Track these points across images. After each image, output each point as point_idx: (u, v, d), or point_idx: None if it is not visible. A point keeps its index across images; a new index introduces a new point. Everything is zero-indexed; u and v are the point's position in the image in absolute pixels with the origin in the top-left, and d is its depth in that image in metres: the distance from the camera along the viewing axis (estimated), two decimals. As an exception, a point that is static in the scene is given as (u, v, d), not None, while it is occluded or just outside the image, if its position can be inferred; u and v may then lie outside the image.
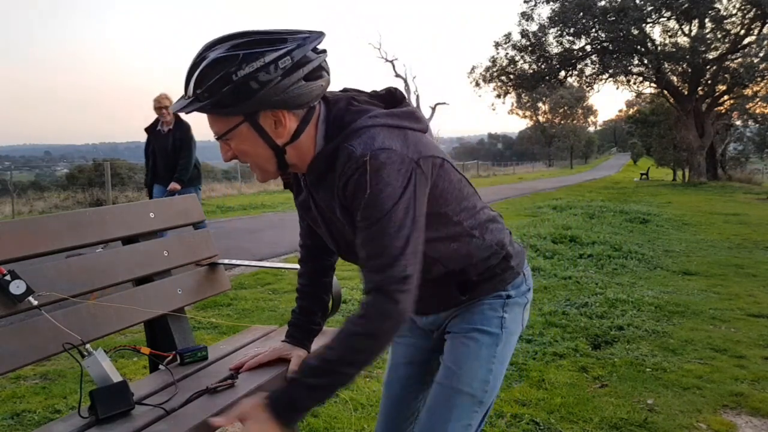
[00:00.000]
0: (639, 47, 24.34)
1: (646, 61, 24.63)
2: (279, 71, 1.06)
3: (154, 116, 5.78)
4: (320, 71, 1.13)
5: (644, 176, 33.39)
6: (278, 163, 1.18)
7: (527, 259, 1.45)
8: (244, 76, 1.05)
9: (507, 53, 27.02)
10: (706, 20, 23.15)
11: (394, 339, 1.31)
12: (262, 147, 1.14)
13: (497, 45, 26.98)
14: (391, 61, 49.87)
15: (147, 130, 5.89)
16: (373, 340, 1.11)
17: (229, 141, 1.15)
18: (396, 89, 1.30)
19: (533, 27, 25.68)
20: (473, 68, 29.22)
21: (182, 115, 5.48)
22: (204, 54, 1.09)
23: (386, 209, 1.10)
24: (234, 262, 2.50)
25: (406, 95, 1.31)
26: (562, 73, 26.76)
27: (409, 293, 1.12)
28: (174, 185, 5.62)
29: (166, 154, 5.73)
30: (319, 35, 1.13)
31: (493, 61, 27.67)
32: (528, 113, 67.66)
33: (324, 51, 1.15)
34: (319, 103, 1.19)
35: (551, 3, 24.58)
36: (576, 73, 26.82)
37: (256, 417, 1.08)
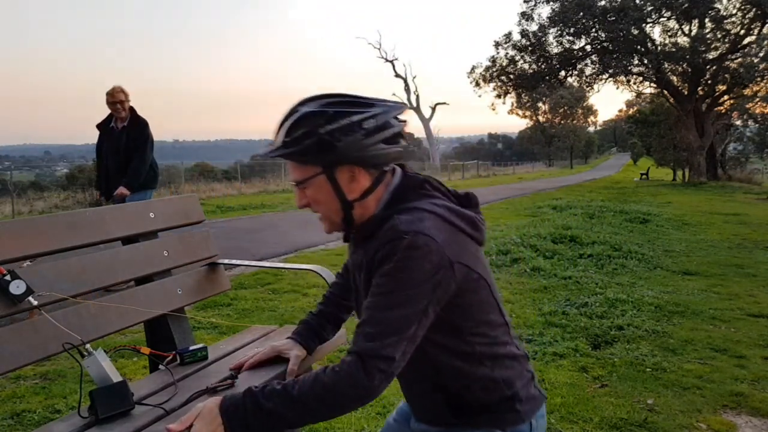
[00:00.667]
0: (639, 47, 24.33)
1: (646, 61, 24.62)
2: (362, 131, 1.15)
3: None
4: (398, 138, 1.19)
5: (644, 176, 33.39)
6: (345, 217, 1.23)
7: (545, 406, 1.34)
8: (329, 131, 1.14)
9: (507, 53, 27.02)
10: (706, 20, 23.14)
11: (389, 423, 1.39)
12: (333, 199, 1.21)
13: (497, 45, 26.98)
14: (391, 61, 49.95)
15: (99, 126, 5.26)
16: (333, 396, 1.10)
17: (305, 189, 1.22)
18: (475, 195, 1.33)
19: (533, 27, 25.69)
20: (473, 68, 29.19)
21: (139, 111, 5.09)
22: (297, 108, 1.18)
23: (401, 287, 1.11)
24: (234, 262, 2.50)
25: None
26: (562, 73, 26.76)
27: (384, 375, 1.09)
28: (121, 190, 4.96)
29: (119, 154, 5.07)
30: (402, 106, 1.21)
31: (493, 61, 27.67)
32: (528, 113, 67.62)
33: (404, 121, 1.22)
34: (393, 171, 1.25)
35: (551, 3, 24.57)
36: (576, 73, 26.81)
37: (207, 418, 1.10)
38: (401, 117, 1.21)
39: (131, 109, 5.13)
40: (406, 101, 49.61)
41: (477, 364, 1.22)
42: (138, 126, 5.10)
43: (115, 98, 5.03)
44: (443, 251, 1.13)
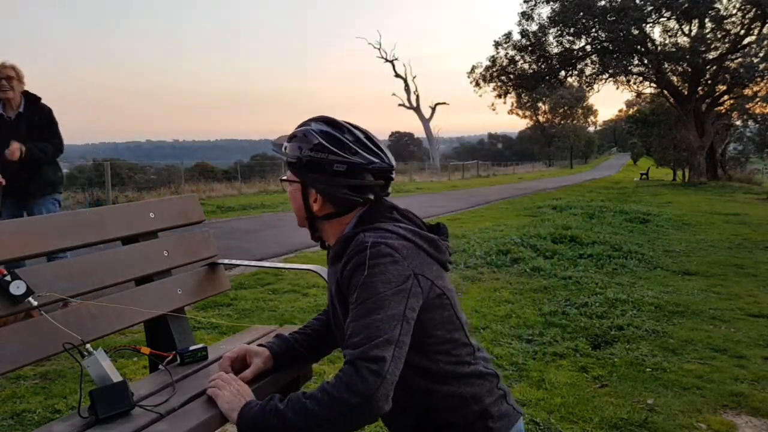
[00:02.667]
0: (639, 47, 24.33)
1: (646, 61, 24.62)
2: (331, 171, 1.28)
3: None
4: (368, 193, 1.31)
5: (644, 176, 33.41)
6: (309, 225, 1.40)
7: (523, 423, 1.35)
8: (308, 157, 1.30)
9: (507, 53, 27.03)
10: (706, 20, 23.14)
11: None
12: (301, 207, 1.38)
13: (497, 45, 26.99)
14: (391, 61, 49.92)
15: None
16: (336, 403, 1.09)
17: (288, 186, 1.40)
18: (445, 226, 1.41)
19: (533, 27, 25.69)
20: (473, 68, 29.21)
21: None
22: (309, 122, 1.35)
23: (377, 293, 1.16)
24: (234, 262, 2.50)
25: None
26: (562, 73, 26.76)
27: (378, 376, 1.09)
28: (14, 146, 3.87)
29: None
30: (385, 168, 1.32)
31: (493, 60, 27.67)
32: (528, 113, 67.62)
33: (386, 183, 1.33)
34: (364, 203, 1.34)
35: (551, 3, 24.57)
36: (576, 73, 26.81)
37: (231, 402, 1.25)
38: (381, 177, 1.31)
39: (26, 94, 4.14)
40: (406, 101, 49.61)
41: (442, 382, 1.26)
42: (43, 112, 4.16)
43: (1, 74, 3.99)
44: (406, 263, 1.21)
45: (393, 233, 1.25)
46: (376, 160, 1.30)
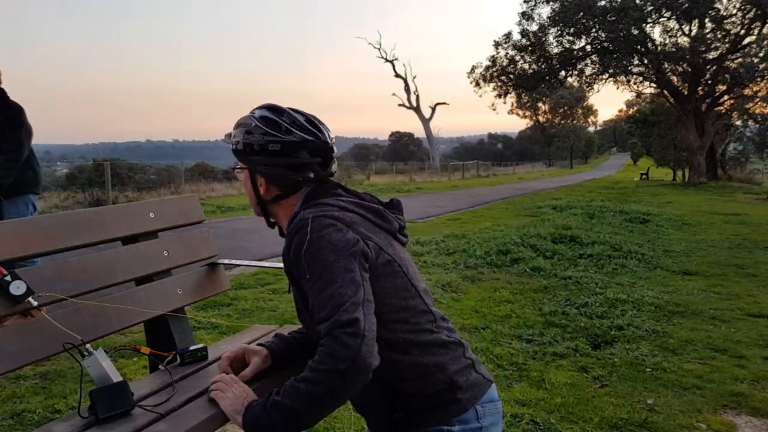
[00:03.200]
0: (639, 47, 24.33)
1: (646, 61, 24.63)
2: (266, 152, 1.34)
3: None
4: (308, 172, 1.35)
5: (644, 176, 33.40)
6: (262, 211, 1.44)
7: (496, 389, 1.34)
8: (247, 142, 1.36)
9: (507, 53, 27.03)
10: (706, 20, 23.14)
11: None
12: (252, 193, 1.43)
13: (497, 45, 26.99)
14: (391, 61, 49.89)
15: None
16: (327, 374, 1.09)
17: (239, 175, 1.45)
18: (399, 201, 1.45)
19: (533, 27, 25.69)
20: (473, 68, 29.21)
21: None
22: (254, 110, 1.39)
23: (328, 262, 1.17)
24: (234, 262, 2.50)
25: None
26: (562, 73, 26.75)
27: (358, 337, 1.09)
28: None
29: None
30: (324, 146, 1.36)
31: (493, 60, 27.67)
32: (528, 113, 67.61)
33: (324, 161, 1.37)
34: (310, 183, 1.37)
35: (551, 3, 24.57)
36: (576, 73, 26.81)
37: (234, 405, 1.25)
38: (318, 154, 1.35)
39: None
40: (406, 101, 49.62)
41: (402, 352, 1.24)
42: (7, 110, 3.76)
43: None
44: (350, 229, 1.23)
45: (334, 206, 1.28)
46: (311, 138, 1.34)
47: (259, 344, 1.53)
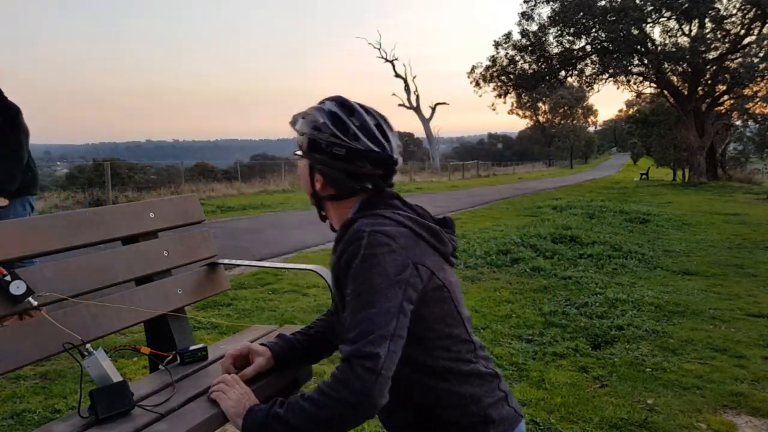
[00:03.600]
0: (639, 47, 24.33)
1: (646, 61, 24.62)
2: (329, 154, 1.27)
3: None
4: (367, 181, 1.29)
5: (644, 176, 33.41)
6: (315, 203, 1.39)
7: (524, 425, 1.33)
8: (311, 137, 1.29)
9: (507, 53, 27.03)
10: (706, 20, 23.13)
11: None
12: (308, 185, 1.38)
13: (497, 45, 26.98)
14: (391, 61, 49.87)
15: None
16: (334, 402, 1.10)
17: (298, 162, 1.39)
18: (451, 219, 1.39)
19: (533, 27, 25.69)
20: (473, 68, 29.21)
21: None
22: (325, 101, 1.34)
23: (372, 284, 1.14)
24: (234, 262, 2.49)
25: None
26: (562, 73, 26.75)
27: (373, 373, 1.09)
28: (1, 200, 3.68)
29: None
30: (389, 160, 1.29)
31: (493, 60, 27.67)
32: (528, 113, 67.59)
33: (386, 173, 1.30)
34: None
35: (551, 3, 24.56)
36: (576, 73, 26.80)
37: (236, 408, 1.25)
38: (380, 167, 1.28)
39: None
40: (406, 101, 49.62)
41: (440, 379, 1.23)
42: (6, 111, 3.72)
43: None
44: (404, 252, 1.18)
45: (391, 220, 1.24)
46: (377, 149, 1.28)
47: (262, 344, 1.52)
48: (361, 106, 1.32)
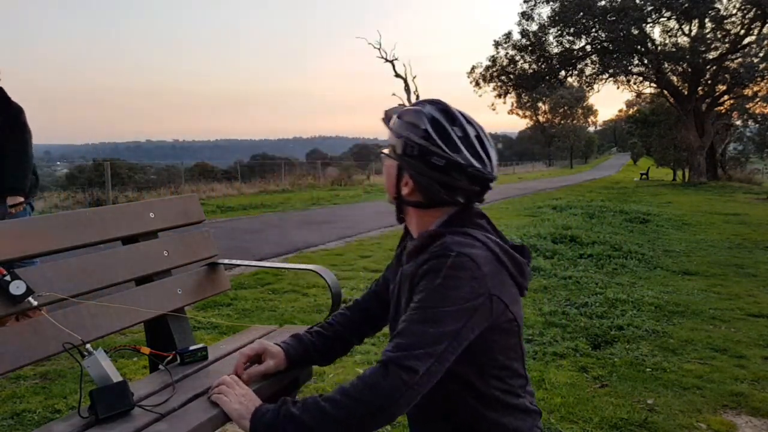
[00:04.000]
0: (639, 47, 24.34)
1: (646, 61, 24.64)
2: (427, 162, 1.21)
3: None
4: (460, 195, 1.24)
5: (644, 176, 33.43)
6: (397, 205, 1.34)
7: None
8: (409, 140, 1.22)
9: (507, 53, 27.05)
10: (706, 20, 23.15)
11: None
12: (393, 184, 1.31)
13: (497, 44, 27.01)
14: (391, 61, 49.87)
15: None
16: (355, 402, 1.09)
17: (385, 157, 1.34)
18: (528, 249, 1.34)
19: (533, 27, 25.71)
20: (473, 68, 29.22)
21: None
22: (424, 103, 1.27)
23: (439, 304, 1.12)
24: (234, 262, 2.49)
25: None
26: (562, 73, 26.77)
27: (406, 386, 1.07)
28: (16, 198, 3.65)
29: None
30: (488, 178, 1.23)
31: (493, 60, 27.68)
32: (528, 113, 67.63)
33: (482, 190, 1.25)
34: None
35: (551, 3, 24.58)
36: (576, 73, 26.83)
37: (239, 409, 1.21)
38: (478, 183, 1.23)
39: None
40: (406, 101, 49.64)
41: (488, 407, 1.22)
42: (9, 111, 3.71)
43: None
44: (485, 281, 1.15)
45: (481, 243, 1.20)
46: (478, 165, 1.21)
47: (276, 345, 1.49)
48: (462, 114, 1.25)
